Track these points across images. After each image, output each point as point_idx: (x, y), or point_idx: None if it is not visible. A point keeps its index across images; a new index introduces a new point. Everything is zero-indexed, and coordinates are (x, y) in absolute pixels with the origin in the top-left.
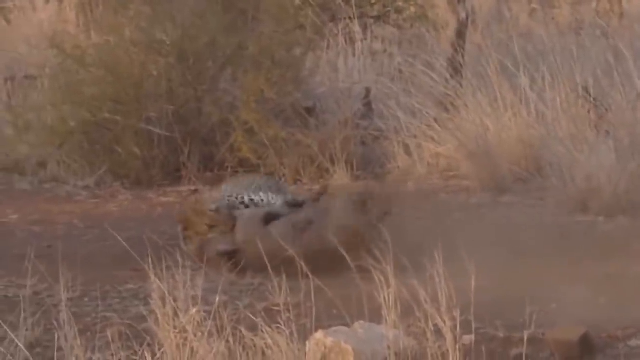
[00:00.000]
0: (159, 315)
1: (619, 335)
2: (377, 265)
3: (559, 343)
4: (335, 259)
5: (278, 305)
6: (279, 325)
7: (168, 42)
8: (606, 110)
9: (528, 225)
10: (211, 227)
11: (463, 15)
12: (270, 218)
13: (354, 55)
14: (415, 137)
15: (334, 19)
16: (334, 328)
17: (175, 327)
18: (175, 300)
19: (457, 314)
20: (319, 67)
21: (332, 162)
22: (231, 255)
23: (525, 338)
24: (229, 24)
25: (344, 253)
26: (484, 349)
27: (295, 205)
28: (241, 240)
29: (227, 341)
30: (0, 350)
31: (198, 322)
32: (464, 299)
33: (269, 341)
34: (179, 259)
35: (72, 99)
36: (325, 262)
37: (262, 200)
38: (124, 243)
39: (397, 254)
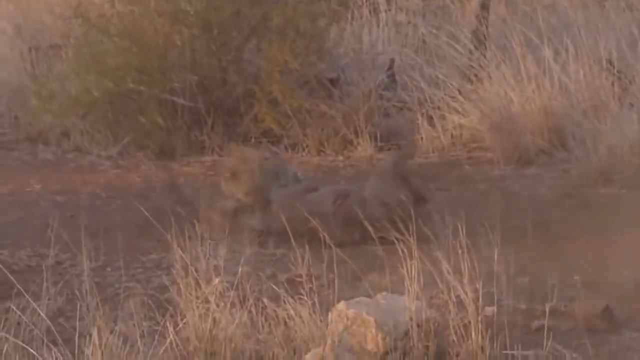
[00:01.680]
0: (181, 286)
1: None
2: (399, 236)
3: (581, 315)
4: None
5: (301, 276)
6: (301, 296)
7: (192, 13)
8: (629, 82)
9: (551, 196)
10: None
11: None
12: (309, 190)
13: (378, 26)
14: (439, 108)
15: None
16: (356, 299)
17: (197, 298)
18: (197, 271)
19: (479, 285)
20: (343, 38)
21: (356, 134)
22: (259, 233)
23: (547, 310)
24: None
25: (368, 226)
26: (505, 320)
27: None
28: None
29: (250, 312)
30: (22, 320)
31: (220, 293)
32: (486, 271)
33: (291, 312)
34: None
35: (96, 69)
36: (360, 235)
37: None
38: (146, 213)
39: (420, 224)
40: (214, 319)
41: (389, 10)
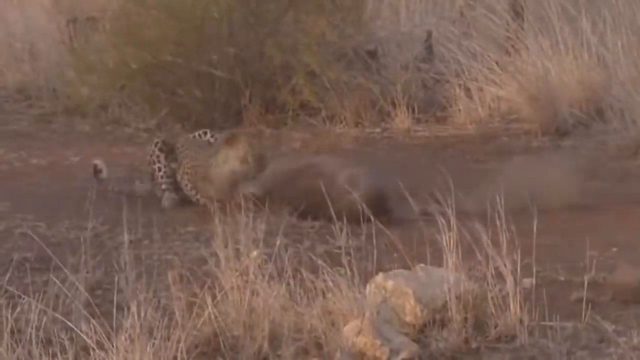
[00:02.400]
0: (220, 258)
1: None
2: (438, 207)
3: (619, 286)
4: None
5: (339, 248)
6: (339, 268)
7: None
8: None
9: (589, 168)
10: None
11: None
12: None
13: None
14: (476, 80)
15: None
16: (395, 271)
17: (236, 270)
18: (236, 243)
19: (517, 257)
20: (380, 10)
21: (394, 106)
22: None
23: (586, 282)
24: None
25: (409, 197)
26: (544, 292)
27: None
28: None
29: (288, 284)
30: (61, 293)
31: (259, 265)
32: (524, 242)
33: (330, 284)
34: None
35: (133, 42)
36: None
37: None
38: None
39: (459, 196)
40: (253, 291)
41: None
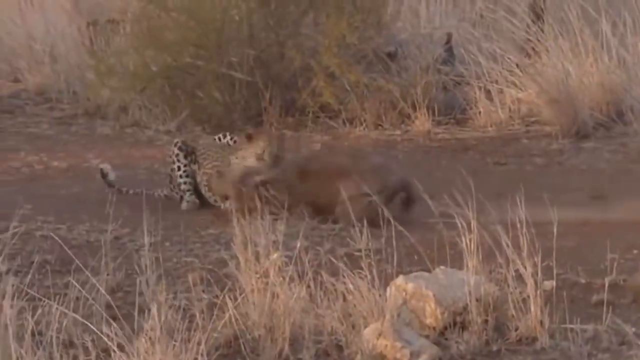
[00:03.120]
0: (240, 260)
1: None
2: (458, 210)
3: None
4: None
5: (359, 250)
6: (360, 271)
7: None
8: None
9: (609, 170)
10: None
11: None
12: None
13: (435, 0)
14: (497, 82)
15: None
16: (415, 273)
17: (256, 272)
18: (256, 246)
19: (538, 259)
20: (400, 12)
21: (414, 108)
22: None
23: (606, 284)
24: None
25: (429, 200)
26: (565, 294)
27: None
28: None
29: (308, 286)
30: (81, 295)
31: (279, 267)
32: (545, 245)
33: (350, 286)
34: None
35: (154, 44)
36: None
37: None
38: None
39: (479, 199)
40: (273, 294)
41: None
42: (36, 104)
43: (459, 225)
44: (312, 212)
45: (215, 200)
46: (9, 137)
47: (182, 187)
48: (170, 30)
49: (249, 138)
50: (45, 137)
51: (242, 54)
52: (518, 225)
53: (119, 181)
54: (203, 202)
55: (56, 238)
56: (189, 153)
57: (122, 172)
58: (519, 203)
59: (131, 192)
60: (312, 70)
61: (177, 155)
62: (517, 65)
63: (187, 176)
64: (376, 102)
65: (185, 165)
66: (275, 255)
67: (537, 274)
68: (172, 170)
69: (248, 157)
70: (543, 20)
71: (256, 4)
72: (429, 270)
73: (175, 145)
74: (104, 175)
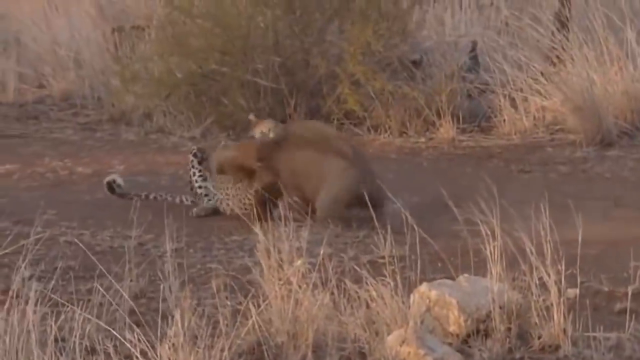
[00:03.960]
0: (264, 267)
1: None
2: (482, 217)
3: None
4: None
5: (383, 257)
6: (383, 278)
7: None
8: None
9: (633, 179)
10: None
11: None
12: None
13: (460, 8)
14: (521, 90)
15: None
16: (439, 281)
17: (279, 279)
18: (280, 252)
19: (562, 267)
20: (425, 20)
21: (438, 115)
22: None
23: (630, 292)
24: None
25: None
26: (588, 302)
27: None
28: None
29: (332, 293)
30: (105, 301)
31: (303, 274)
32: (569, 253)
33: (373, 293)
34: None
35: (179, 50)
36: None
37: None
38: None
39: (504, 206)
40: (296, 301)
41: None
42: (61, 110)
43: (483, 232)
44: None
45: (225, 208)
46: (34, 142)
47: (199, 191)
48: (195, 36)
49: (256, 124)
50: (69, 142)
51: (267, 61)
52: (542, 233)
53: (137, 187)
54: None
55: (80, 244)
56: (204, 159)
57: (146, 178)
58: (543, 211)
59: (151, 197)
60: (337, 78)
61: (192, 161)
62: (541, 73)
63: (204, 180)
64: (401, 110)
65: (200, 171)
66: (298, 262)
67: (560, 282)
68: (189, 176)
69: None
70: (568, 29)
71: (282, 11)
72: (452, 278)
73: (191, 152)
74: (111, 189)
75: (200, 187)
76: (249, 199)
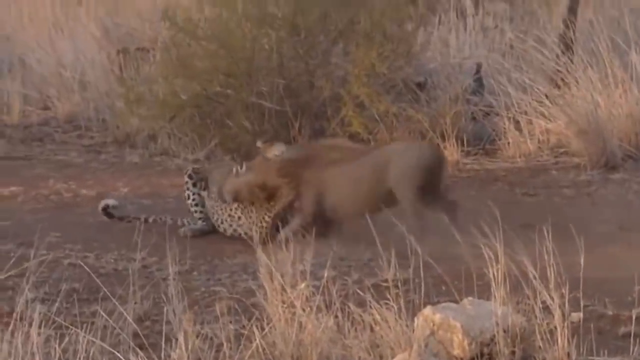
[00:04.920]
0: (267, 290)
1: None
2: (486, 241)
3: None
4: None
5: (387, 281)
6: (387, 301)
7: (280, 16)
8: None
9: (638, 202)
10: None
11: None
12: None
13: (465, 30)
14: (526, 113)
15: None
16: (443, 304)
17: (283, 302)
18: (283, 275)
19: (565, 291)
20: (430, 42)
21: (443, 138)
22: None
23: (634, 316)
24: None
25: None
26: (592, 326)
27: None
28: None
29: (336, 316)
30: (109, 324)
31: (306, 297)
32: (572, 276)
33: (377, 317)
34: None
35: (183, 72)
36: None
37: None
38: None
39: (507, 230)
40: (300, 324)
41: (476, 14)
42: (65, 132)
43: (486, 256)
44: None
45: (224, 229)
46: (38, 164)
47: (195, 215)
48: (200, 58)
49: (265, 148)
50: (74, 165)
51: (271, 83)
52: (545, 256)
53: (141, 210)
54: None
55: (84, 266)
56: (199, 180)
57: (150, 201)
58: (546, 234)
59: (151, 219)
60: (342, 100)
61: (187, 183)
62: (546, 96)
63: (196, 204)
64: (405, 132)
65: (194, 194)
66: (302, 285)
67: (564, 306)
68: (184, 198)
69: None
70: (573, 51)
71: (286, 33)
72: (456, 301)
73: (186, 173)
74: (109, 214)
75: (195, 211)
76: (265, 221)
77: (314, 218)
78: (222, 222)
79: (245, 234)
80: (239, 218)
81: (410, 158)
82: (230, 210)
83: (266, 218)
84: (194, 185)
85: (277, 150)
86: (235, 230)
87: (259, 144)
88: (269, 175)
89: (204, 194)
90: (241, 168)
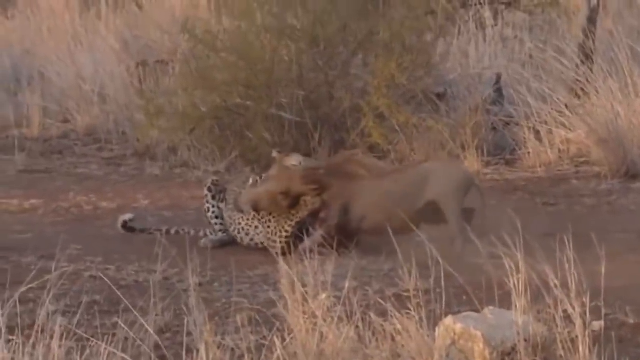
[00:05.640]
0: (288, 301)
1: None
2: (507, 250)
3: None
4: None
5: (408, 291)
6: (408, 311)
7: (299, 27)
8: None
9: None
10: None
11: (594, 0)
12: None
13: (484, 41)
14: (546, 123)
15: (465, 4)
16: (464, 314)
17: (304, 313)
18: (304, 286)
19: (586, 299)
20: (449, 53)
21: (463, 148)
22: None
23: None
24: (361, 9)
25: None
26: (613, 335)
27: None
28: None
29: (357, 326)
30: (130, 336)
31: (328, 308)
32: (593, 285)
33: (399, 327)
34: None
35: (203, 84)
36: None
37: None
38: None
39: (528, 239)
40: (321, 334)
41: (496, 25)
42: (85, 145)
43: (507, 265)
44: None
45: (241, 239)
46: (58, 177)
47: (215, 227)
48: (219, 70)
49: (281, 158)
50: (94, 177)
51: (291, 95)
52: (566, 265)
53: (162, 222)
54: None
55: (105, 278)
56: (218, 192)
57: (171, 213)
58: (567, 243)
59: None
60: (362, 111)
61: (207, 196)
62: (566, 105)
63: (216, 217)
64: (425, 143)
65: (213, 207)
66: (323, 296)
67: (585, 314)
68: (204, 211)
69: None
70: (592, 61)
71: (306, 44)
72: (477, 311)
73: (205, 186)
74: (130, 229)
75: (215, 223)
76: (286, 230)
77: (337, 230)
78: (239, 232)
79: (262, 243)
80: (257, 227)
81: (453, 175)
82: (248, 220)
83: (286, 227)
84: (213, 198)
85: (294, 161)
86: (252, 239)
87: (274, 154)
88: (293, 182)
89: (222, 205)
90: (259, 179)
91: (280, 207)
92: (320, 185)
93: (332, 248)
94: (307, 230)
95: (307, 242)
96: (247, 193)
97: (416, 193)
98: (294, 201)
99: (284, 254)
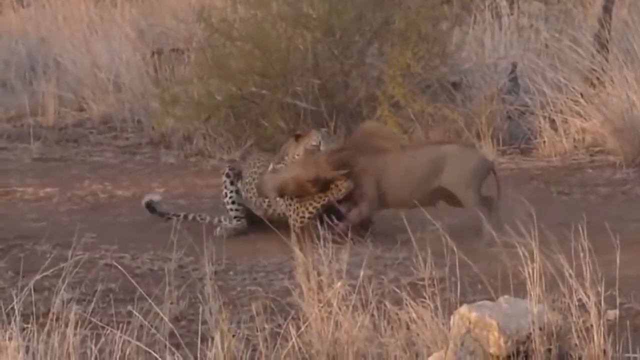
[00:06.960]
0: (303, 289)
1: None
2: (522, 239)
3: None
4: None
5: (423, 279)
6: (423, 300)
7: (315, 16)
8: None
9: None
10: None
11: None
12: None
13: (500, 30)
14: (561, 112)
15: None
16: (479, 302)
17: (319, 301)
18: (319, 274)
19: (601, 288)
20: (465, 42)
21: (478, 137)
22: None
23: None
24: None
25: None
26: (628, 323)
27: None
28: None
29: (372, 315)
30: (145, 324)
31: (343, 296)
32: (608, 274)
33: (414, 315)
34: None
35: (218, 73)
36: None
37: None
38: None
39: (542, 228)
40: (336, 322)
41: (512, 14)
42: (100, 133)
43: (522, 254)
44: None
45: (266, 209)
46: (74, 165)
47: (230, 213)
48: (235, 59)
49: (297, 137)
50: (109, 165)
51: (307, 83)
52: (581, 254)
53: (177, 210)
54: (267, 232)
55: (119, 267)
56: (235, 177)
57: (186, 201)
58: (582, 232)
59: (190, 217)
60: (377, 100)
61: (225, 182)
62: (581, 95)
63: (233, 202)
64: (441, 131)
65: (231, 192)
66: (338, 284)
67: (600, 303)
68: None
69: (298, 153)
70: (608, 50)
71: (321, 33)
72: (492, 299)
73: (223, 172)
74: (152, 209)
75: (231, 209)
76: (309, 212)
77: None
78: (260, 206)
79: (284, 214)
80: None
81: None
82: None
83: (310, 208)
84: (232, 183)
85: (314, 141)
86: (269, 205)
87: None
88: (321, 168)
89: (239, 185)
90: (275, 164)
91: (308, 193)
92: (349, 167)
93: (347, 237)
94: (335, 213)
95: (350, 216)
96: (271, 179)
97: (431, 175)
98: (324, 187)
99: (298, 238)
